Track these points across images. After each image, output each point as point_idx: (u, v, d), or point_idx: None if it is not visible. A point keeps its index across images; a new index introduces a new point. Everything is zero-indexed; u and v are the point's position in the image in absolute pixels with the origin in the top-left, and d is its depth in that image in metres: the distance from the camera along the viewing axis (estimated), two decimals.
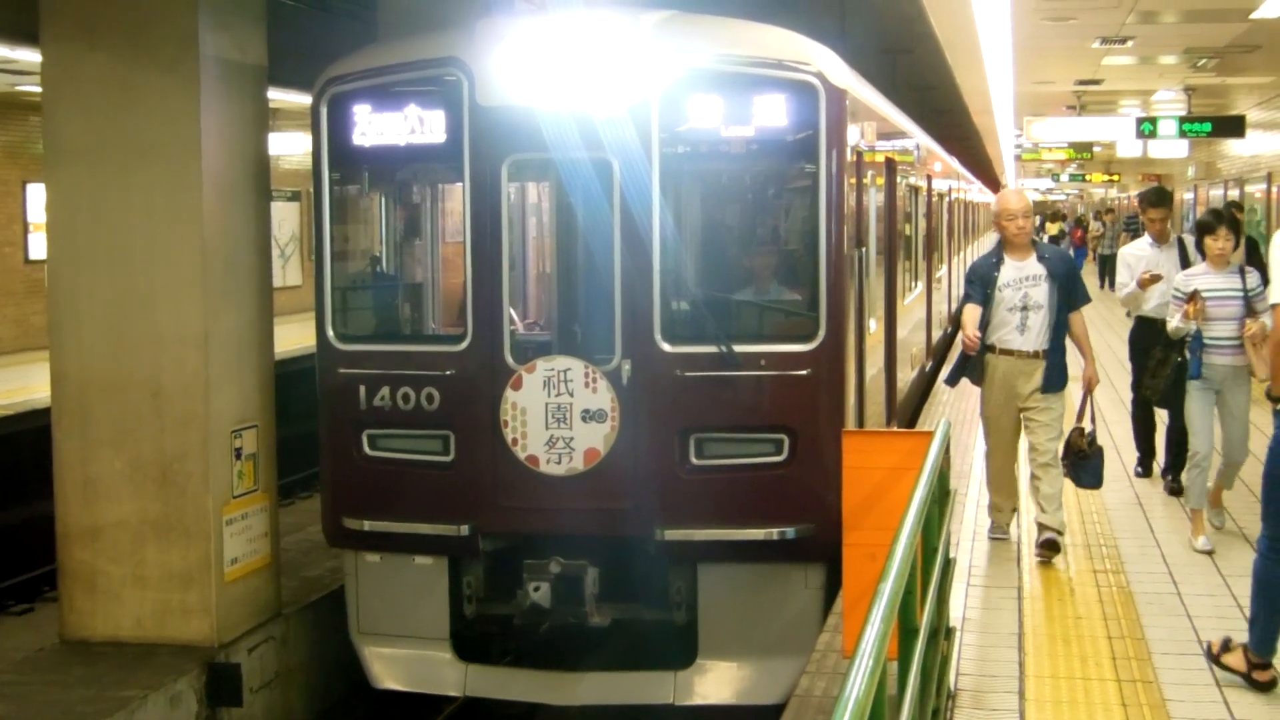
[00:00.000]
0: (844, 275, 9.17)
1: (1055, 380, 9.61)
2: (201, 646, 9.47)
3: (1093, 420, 9.77)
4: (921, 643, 5.01)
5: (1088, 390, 9.69)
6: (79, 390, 9.56)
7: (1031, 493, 9.75)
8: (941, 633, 6.61)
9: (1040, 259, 9.70)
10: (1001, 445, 9.92)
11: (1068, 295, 9.67)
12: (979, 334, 9.54)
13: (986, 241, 54.79)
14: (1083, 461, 9.68)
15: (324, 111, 9.56)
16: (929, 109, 34.74)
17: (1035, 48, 19.87)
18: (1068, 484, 9.73)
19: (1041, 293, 9.58)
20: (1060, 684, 7.14)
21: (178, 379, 9.41)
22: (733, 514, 9.01)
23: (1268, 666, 6.98)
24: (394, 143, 9.49)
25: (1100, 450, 9.79)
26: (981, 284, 9.64)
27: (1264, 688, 6.93)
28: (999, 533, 9.98)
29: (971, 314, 9.63)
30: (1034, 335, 9.57)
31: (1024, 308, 9.56)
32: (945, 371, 14.20)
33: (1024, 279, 9.60)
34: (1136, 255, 11.69)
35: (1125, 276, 11.62)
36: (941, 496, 6.67)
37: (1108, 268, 30.75)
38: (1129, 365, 12.14)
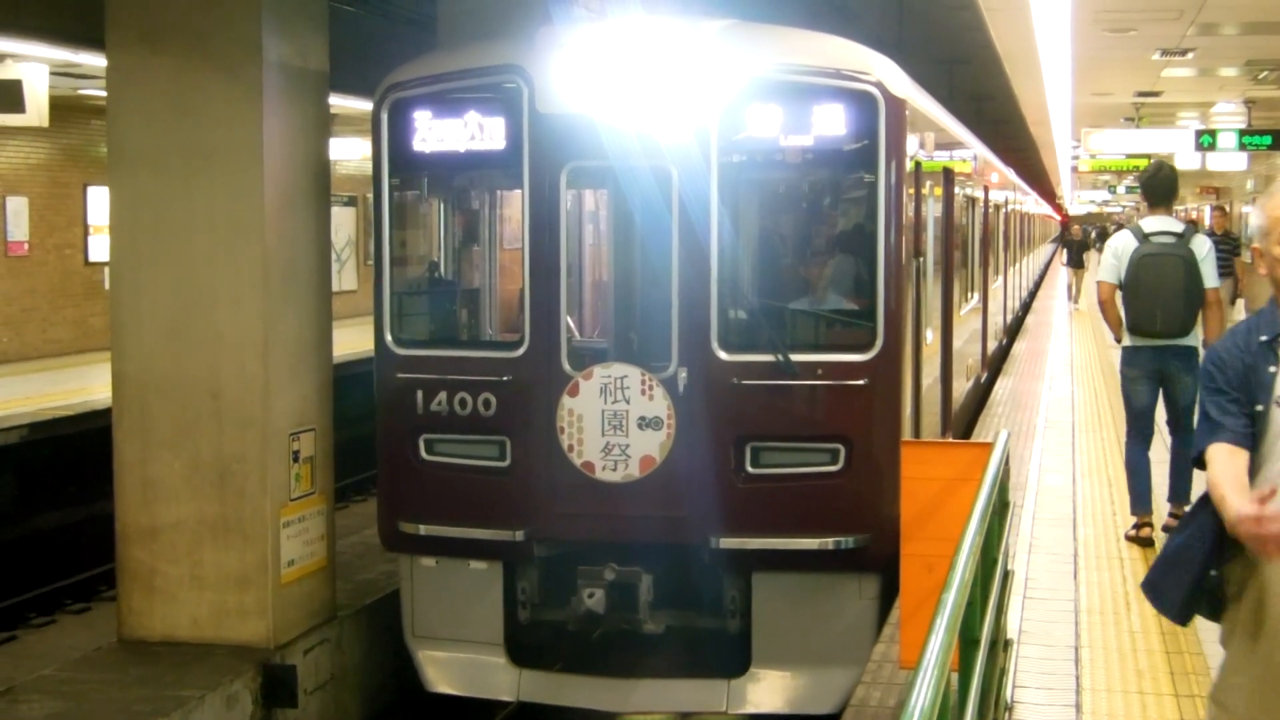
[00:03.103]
0: (902, 285, 9.14)
1: None
2: (257, 648, 9.53)
3: None
4: (982, 654, 4.99)
5: None
6: (139, 392, 9.65)
7: None
8: (1000, 645, 6.58)
9: None
10: None
11: None
12: (1265, 513, 4.18)
13: (1043, 252, 54.33)
14: None
15: (385, 117, 9.61)
16: (985, 119, 34.65)
17: (1095, 59, 19.82)
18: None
19: None
20: (1116, 698, 7.09)
21: (237, 381, 9.48)
22: (788, 523, 8.99)
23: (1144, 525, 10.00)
24: (454, 149, 9.53)
25: None
26: (1242, 393, 4.59)
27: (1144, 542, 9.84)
28: None
29: (1230, 464, 4.49)
30: None
31: None
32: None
33: None
34: None
35: None
36: (1001, 508, 6.64)
37: None
38: None
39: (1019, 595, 8.75)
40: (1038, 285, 44.86)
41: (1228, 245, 20.89)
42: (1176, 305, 9.68)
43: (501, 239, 10.64)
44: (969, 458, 7.17)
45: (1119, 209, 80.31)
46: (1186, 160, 32.72)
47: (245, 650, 9.51)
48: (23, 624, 13.07)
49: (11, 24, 15.22)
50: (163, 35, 9.52)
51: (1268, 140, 24.25)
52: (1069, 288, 37.84)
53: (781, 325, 9.34)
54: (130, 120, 9.64)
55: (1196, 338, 9.89)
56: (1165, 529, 10.18)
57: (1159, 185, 10.15)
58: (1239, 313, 22.53)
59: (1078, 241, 39.22)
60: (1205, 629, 8.12)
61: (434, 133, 9.54)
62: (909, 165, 9.43)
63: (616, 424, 9.08)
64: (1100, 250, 50.55)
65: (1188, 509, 4.82)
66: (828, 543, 8.93)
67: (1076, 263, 37.48)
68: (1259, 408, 4.53)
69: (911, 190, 9.67)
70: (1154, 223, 9.94)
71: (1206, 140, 24.96)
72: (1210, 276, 9.76)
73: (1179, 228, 9.86)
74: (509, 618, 9.63)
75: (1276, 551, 4.23)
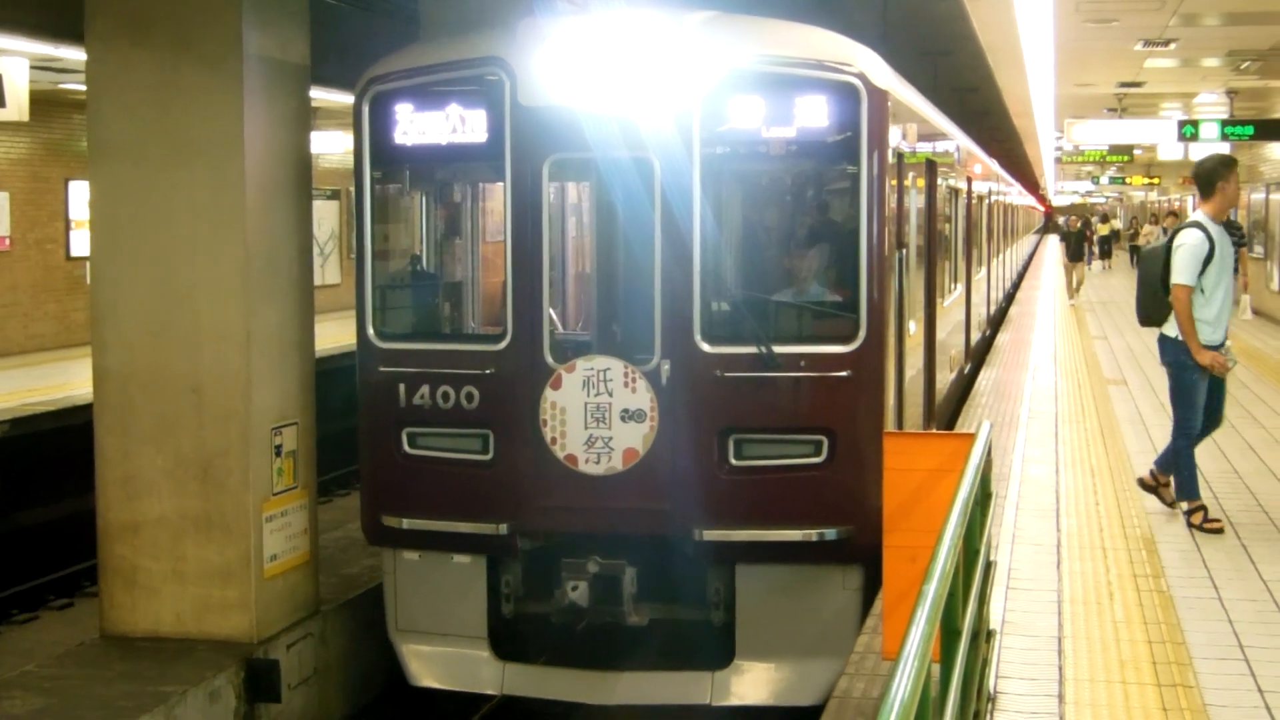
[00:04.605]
0: (885, 276, 9.14)
1: None
2: (240, 642, 9.51)
3: None
4: (964, 645, 4.99)
5: None
6: (121, 386, 9.61)
7: None
8: (983, 635, 6.58)
9: None
10: None
11: None
12: None
13: (1027, 243, 54.45)
14: None
15: (366, 110, 9.59)
16: (969, 111, 34.65)
17: (1077, 50, 19.83)
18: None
19: None
20: (1099, 688, 7.09)
21: (219, 376, 9.45)
22: (771, 515, 8.99)
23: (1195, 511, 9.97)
24: (436, 142, 9.51)
25: None
26: None
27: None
28: None
29: None
30: None
31: None
32: None
33: None
34: None
35: None
36: (983, 499, 6.64)
37: None
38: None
39: (1002, 586, 8.75)
40: (1021, 276, 44.89)
41: (1232, 237, 20.51)
42: (1140, 297, 10.34)
43: (484, 232, 10.62)
44: (952, 449, 7.15)
45: (1102, 199, 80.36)
46: (1169, 151, 32.77)
47: (228, 645, 9.49)
48: (5, 620, 13.04)
49: None
50: (143, 28, 9.48)
51: (1250, 130, 24.30)
52: (1068, 283, 35.03)
53: (764, 317, 9.34)
54: (110, 113, 9.61)
55: (1174, 329, 9.97)
56: (1190, 525, 10.04)
57: (1197, 179, 10.33)
58: (1244, 312, 22.42)
59: (1075, 233, 36.68)
60: (1187, 618, 8.15)
61: (416, 125, 9.52)
62: (891, 157, 9.43)
63: (599, 417, 9.07)
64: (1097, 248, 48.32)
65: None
66: (811, 534, 8.94)
67: (1076, 255, 35.15)
68: None
69: (894, 182, 9.67)
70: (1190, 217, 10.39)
71: (1189, 131, 24.99)
72: (1176, 272, 9.74)
73: (1184, 222, 10.21)
74: (493, 611, 9.62)
75: None
